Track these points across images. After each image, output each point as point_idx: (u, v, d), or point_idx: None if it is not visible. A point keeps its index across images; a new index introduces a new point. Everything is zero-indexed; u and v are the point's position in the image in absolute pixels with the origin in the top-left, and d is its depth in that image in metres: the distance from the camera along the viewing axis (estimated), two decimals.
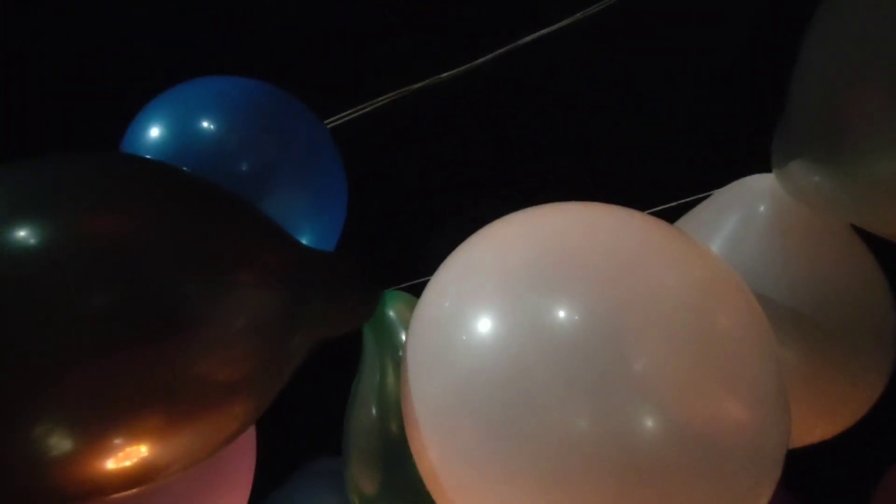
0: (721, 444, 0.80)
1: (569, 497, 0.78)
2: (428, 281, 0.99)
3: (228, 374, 0.82)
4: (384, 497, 1.20)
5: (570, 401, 0.78)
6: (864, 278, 1.19)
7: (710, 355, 0.81)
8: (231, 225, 0.88)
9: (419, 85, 1.62)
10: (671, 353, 0.80)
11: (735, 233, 1.19)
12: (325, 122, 1.45)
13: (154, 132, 1.19)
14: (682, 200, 1.41)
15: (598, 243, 0.88)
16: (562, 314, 0.81)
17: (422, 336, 0.92)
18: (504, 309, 0.84)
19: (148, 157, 1.15)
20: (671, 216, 1.28)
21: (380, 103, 1.65)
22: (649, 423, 0.77)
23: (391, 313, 1.23)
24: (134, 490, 0.80)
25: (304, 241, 1.06)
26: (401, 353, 1.14)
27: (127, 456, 0.75)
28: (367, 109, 1.65)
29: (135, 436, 0.75)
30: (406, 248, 1.67)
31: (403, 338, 1.20)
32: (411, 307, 1.12)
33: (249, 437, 1.12)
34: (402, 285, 1.39)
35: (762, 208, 1.19)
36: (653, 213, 1.00)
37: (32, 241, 0.72)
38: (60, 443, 0.72)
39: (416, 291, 1.07)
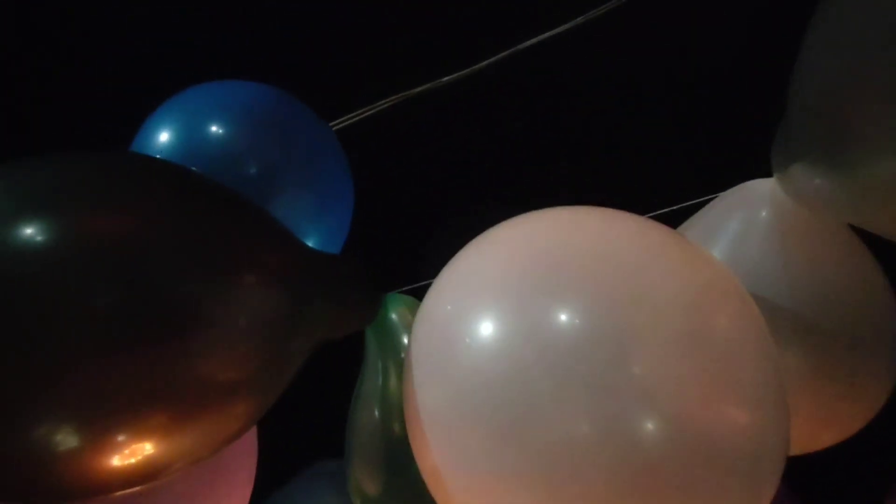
0: (721, 446, 0.80)
1: (569, 499, 0.79)
2: (430, 284, 1.00)
3: (231, 375, 0.83)
4: (386, 499, 1.21)
5: (570, 403, 0.79)
6: (867, 282, 1.20)
7: (709, 358, 0.82)
8: (236, 225, 0.88)
9: (420, 88, 1.62)
10: (671, 357, 0.80)
11: (737, 237, 1.20)
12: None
13: (163, 136, 1.21)
14: (683, 204, 1.41)
15: (598, 247, 0.88)
16: (563, 317, 0.82)
17: (424, 338, 0.93)
18: (506, 312, 0.85)
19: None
20: (671, 220, 1.28)
21: (381, 107, 1.66)
22: (649, 425, 0.78)
23: (393, 316, 1.24)
24: (137, 489, 0.81)
25: (310, 244, 1.07)
26: (403, 356, 1.15)
27: (130, 454, 0.76)
28: (368, 113, 1.66)
29: (138, 434, 0.76)
30: (408, 252, 1.67)
31: (405, 340, 1.20)
32: (413, 310, 1.13)
33: (251, 438, 1.12)
34: (404, 288, 1.40)
35: (764, 213, 1.19)
36: (653, 217, 1.00)
37: (38, 239, 0.72)
38: (64, 441, 0.72)
39: (418, 294, 1.07)
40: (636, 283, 0.84)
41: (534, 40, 1.57)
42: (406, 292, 1.31)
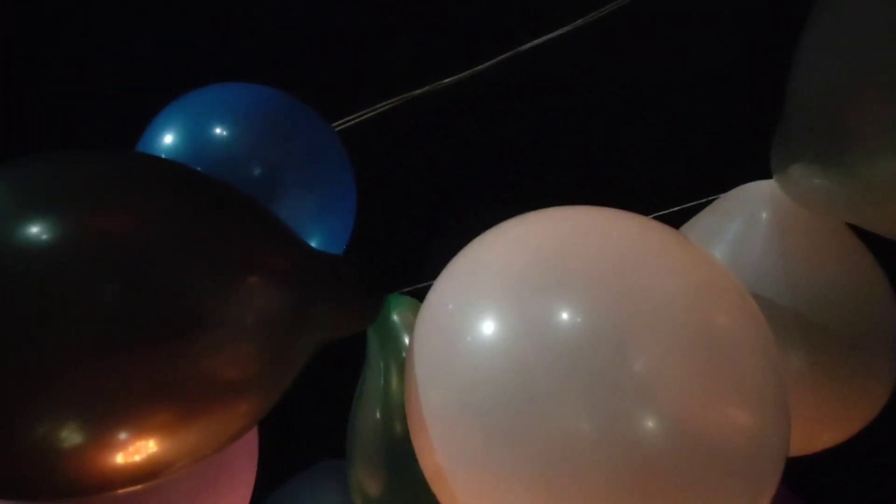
0: (721, 445, 0.81)
1: (571, 496, 0.79)
2: (431, 285, 1.00)
3: (234, 374, 0.83)
4: (387, 499, 1.21)
5: (571, 401, 0.79)
6: (867, 282, 1.20)
7: (710, 358, 0.82)
8: (240, 224, 0.89)
9: (422, 90, 1.63)
10: (672, 355, 0.80)
11: (737, 239, 1.20)
12: None
13: (167, 139, 1.22)
14: (683, 206, 1.42)
15: (600, 246, 0.89)
16: (564, 316, 0.82)
17: (426, 337, 0.93)
18: (507, 310, 0.85)
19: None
20: (672, 222, 1.28)
21: (383, 108, 1.67)
22: (650, 424, 0.78)
23: (395, 317, 1.24)
24: (140, 486, 0.81)
25: (313, 245, 1.07)
26: (404, 357, 1.15)
27: (134, 451, 0.76)
28: (370, 114, 1.66)
29: (141, 432, 0.76)
30: (410, 253, 1.67)
31: (406, 341, 1.20)
32: (414, 311, 1.13)
33: (252, 437, 1.12)
34: (406, 289, 1.40)
35: (764, 214, 1.19)
36: (654, 219, 1.00)
37: (41, 237, 0.72)
38: (68, 438, 0.73)
39: (420, 296, 1.07)
40: (637, 281, 0.84)
41: (535, 42, 1.58)
42: (408, 293, 1.31)
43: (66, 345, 0.71)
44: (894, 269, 1.25)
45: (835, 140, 0.97)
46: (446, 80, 1.63)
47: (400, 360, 1.20)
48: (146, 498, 0.88)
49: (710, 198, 1.34)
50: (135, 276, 0.75)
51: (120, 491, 0.80)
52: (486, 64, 1.61)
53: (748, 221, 1.20)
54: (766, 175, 1.21)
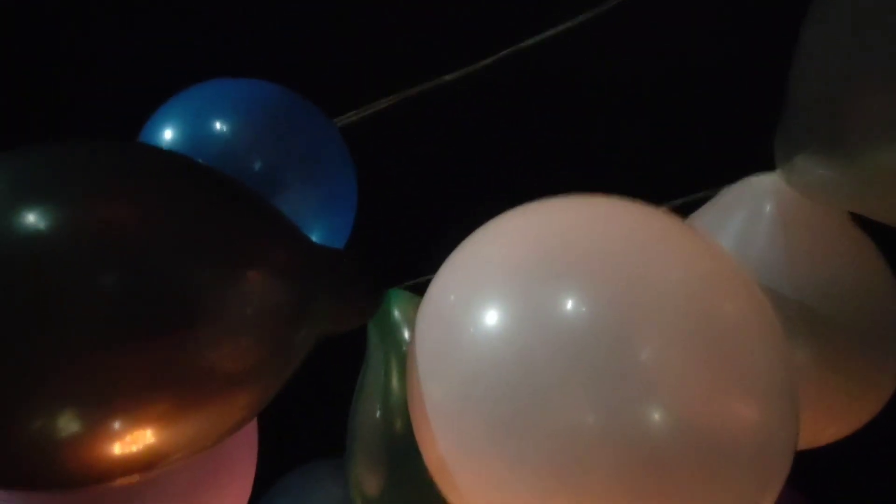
0: (728, 437, 0.80)
1: (575, 488, 0.78)
2: (431, 280, 1.00)
3: (234, 365, 0.82)
4: (388, 495, 1.20)
5: (575, 392, 0.78)
6: (872, 273, 1.19)
7: (717, 347, 0.81)
8: (241, 216, 0.88)
9: (423, 87, 1.63)
10: (677, 345, 0.80)
11: (742, 232, 1.20)
12: None
13: (167, 134, 1.22)
14: (687, 199, 1.41)
15: (603, 236, 0.88)
16: (568, 306, 0.81)
17: (428, 329, 0.93)
18: (510, 301, 0.84)
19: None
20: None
21: (383, 105, 1.67)
22: (655, 415, 0.77)
23: (396, 311, 1.24)
24: (138, 478, 0.81)
25: (314, 239, 1.07)
26: (405, 351, 1.14)
27: (133, 442, 0.76)
28: (370, 111, 1.66)
29: (141, 423, 0.76)
30: (410, 248, 1.67)
31: (407, 336, 1.20)
32: (415, 306, 1.12)
33: (251, 429, 1.12)
34: (407, 284, 1.40)
35: (768, 207, 1.19)
36: None
37: (41, 227, 0.72)
38: (67, 428, 0.72)
39: (421, 291, 1.07)
40: (641, 270, 0.83)
41: (536, 38, 1.58)
42: (408, 288, 1.31)
43: (65, 335, 0.71)
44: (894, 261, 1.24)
45: (836, 130, 0.96)
46: (447, 77, 1.63)
47: (400, 355, 1.20)
48: (146, 488, 0.88)
49: (712, 192, 1.33)
50: (135, 266, 0.75)
51: (120, 481, 0.79)
52: (487, 61, 1.61)
53: (752, 214, 1.20)
54: (769, 168, 1.20)
